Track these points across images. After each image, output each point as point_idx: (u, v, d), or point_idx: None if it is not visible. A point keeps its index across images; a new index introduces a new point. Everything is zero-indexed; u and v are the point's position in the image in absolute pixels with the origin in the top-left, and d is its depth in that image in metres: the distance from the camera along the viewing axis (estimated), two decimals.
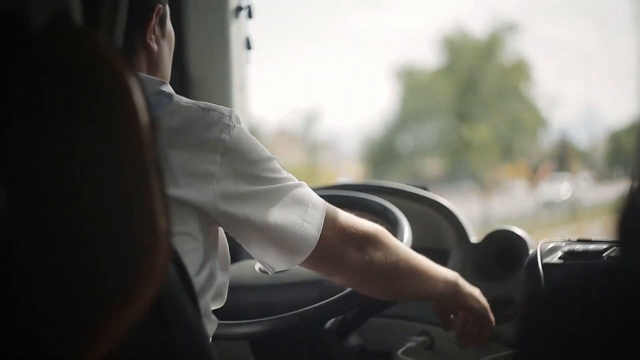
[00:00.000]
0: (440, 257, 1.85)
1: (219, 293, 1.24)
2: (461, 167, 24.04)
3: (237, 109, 2.01)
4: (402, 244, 1.36)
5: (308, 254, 1.21)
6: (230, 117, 1.16)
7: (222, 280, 1.25)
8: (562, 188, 22.40)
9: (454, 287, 1.46)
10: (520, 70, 24.19)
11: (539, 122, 24.77)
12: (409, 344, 1.72)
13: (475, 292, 1.51)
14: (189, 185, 1.11)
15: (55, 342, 0.59)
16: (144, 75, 1.19)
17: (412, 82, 24.80)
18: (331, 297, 1.45)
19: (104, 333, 0.58)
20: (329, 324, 1.51)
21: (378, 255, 1.29)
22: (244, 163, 1.16)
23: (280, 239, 1.19)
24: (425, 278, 1.39)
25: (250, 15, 2.03)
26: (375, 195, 1.70)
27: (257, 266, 1.66)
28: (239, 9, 2.01)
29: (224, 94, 1.98)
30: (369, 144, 26.20)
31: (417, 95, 24.53)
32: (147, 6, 1.20)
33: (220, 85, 1.99)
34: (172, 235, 0.62)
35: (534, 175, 24.19)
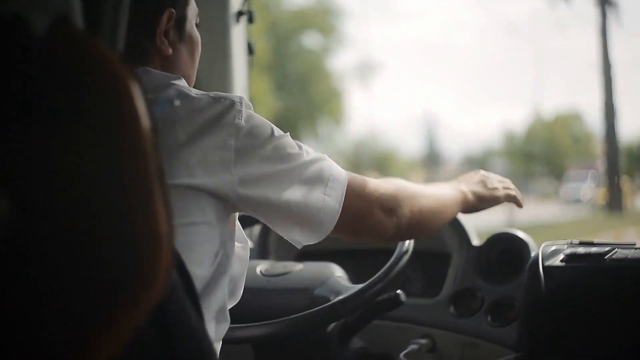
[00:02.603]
0: (443, 260, 1.85)
1: (233, 287, 1.26)
2: None
3: None
4: (418, 188, 1.41)
5: (332, 227, 1.24)
6: (241, 102, 1.18)
7: (238, 270, 1.26)
8: None
9: (465, 202, 1.54)
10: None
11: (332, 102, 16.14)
12: (411, 347, 1.72)
13: (485, 190, 1.59)
14: (207, 174, 1.13)
15: (57, 347, 0.59)
16: (156, 71, 1.22)
17: None
18: (321, 305, 1.45)
19: (106, 338, 0.58)
20: (331, 327, 1.51)
21: (404, 210, 1.34)
22: (259, 145, 1.17)
23: (302, 216, 1.21)
24: (443, 209, 1.46)
25: (251, 21, 2.03)
26: None
27: (259, 269, 1.66)
28: (239, 13, 2.01)
29: None
30: None
31: None
32: (155, 10, 1.22)
33: (221, 89, 1.99)
34: (174, 240, 0.62)
35: None
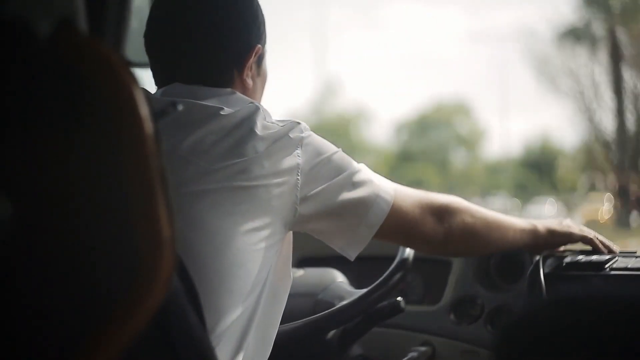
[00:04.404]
0: (443, 268, 1.85)
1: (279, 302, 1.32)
2: None
3: None
4: (474, 205, 1.46)
5: (378, 225, 1.31)
6: (301, 123, 1.29)
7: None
8: None
9: (534, 232, 1.56)
10: None
11: None
12: (411, 354, 1.72)
13: (559, 227, 1.60)
14: (277, 182, 1.22)
15: (57, 352, 0.59)
16: (240, 94, 1.30)
17: None
18: (325, 310, 1.45)
19: (107, 343, 0.58)
20: (331, 334, 1.51)
21: (456, 220, 1.40)
22: (318, 158, 1.27)
23: (351, 227, 1.30)
24: (503, 230, 1.50)
25: None
26: None
27: None
28: None
29: None
30: None
31: None
32: (247, 46, 1.32)
33: None
34: (175, 244, 0.62)
35: None
